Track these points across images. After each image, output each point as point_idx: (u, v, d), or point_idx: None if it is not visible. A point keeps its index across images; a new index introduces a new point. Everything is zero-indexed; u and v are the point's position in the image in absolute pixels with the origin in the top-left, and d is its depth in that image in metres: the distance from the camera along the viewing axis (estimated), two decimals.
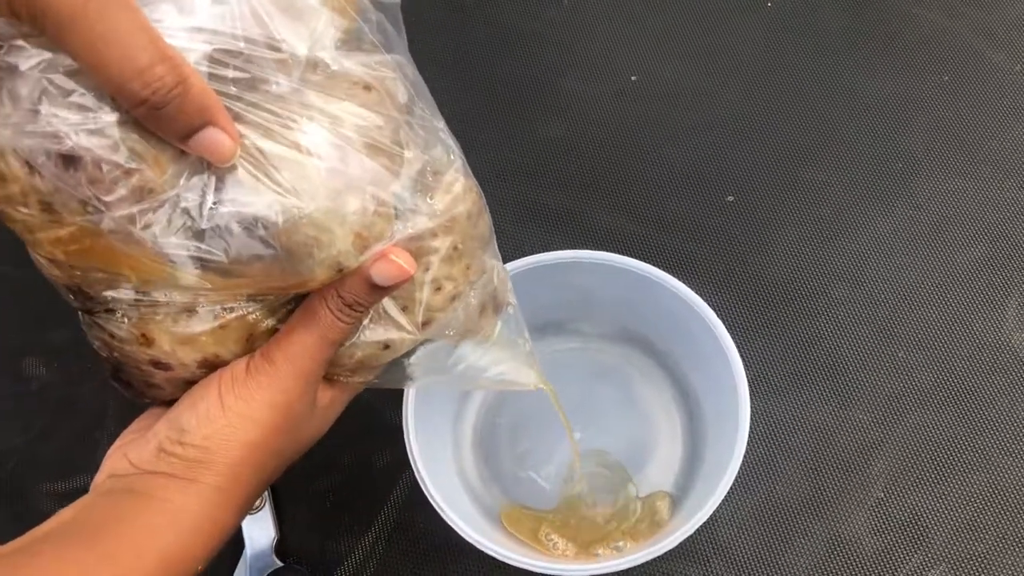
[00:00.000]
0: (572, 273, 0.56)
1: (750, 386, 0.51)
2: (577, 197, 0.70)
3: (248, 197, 0.33)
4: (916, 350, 0.63)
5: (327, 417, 0.44)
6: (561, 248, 0.55)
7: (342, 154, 0.35)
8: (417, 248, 0.38)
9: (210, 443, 0.37)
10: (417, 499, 0.50)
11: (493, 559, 0.48)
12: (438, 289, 0.40)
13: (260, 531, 0.59)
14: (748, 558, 0.58)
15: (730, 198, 0.70)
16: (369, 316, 0.40)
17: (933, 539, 0.58)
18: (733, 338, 0.53)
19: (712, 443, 0.57)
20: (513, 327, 0.46)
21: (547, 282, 0.56)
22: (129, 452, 0.39)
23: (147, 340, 0.37)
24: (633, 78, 0.76)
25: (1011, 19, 0.76)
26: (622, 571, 0.49)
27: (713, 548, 0.58)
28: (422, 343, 0.42)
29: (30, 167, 0.32)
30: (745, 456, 0.50)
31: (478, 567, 0.59)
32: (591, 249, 0.55)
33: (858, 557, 0.57)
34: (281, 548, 0.59)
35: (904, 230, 0.68)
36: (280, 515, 0.61)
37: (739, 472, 0.49)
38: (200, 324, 0.37)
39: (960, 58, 0.75)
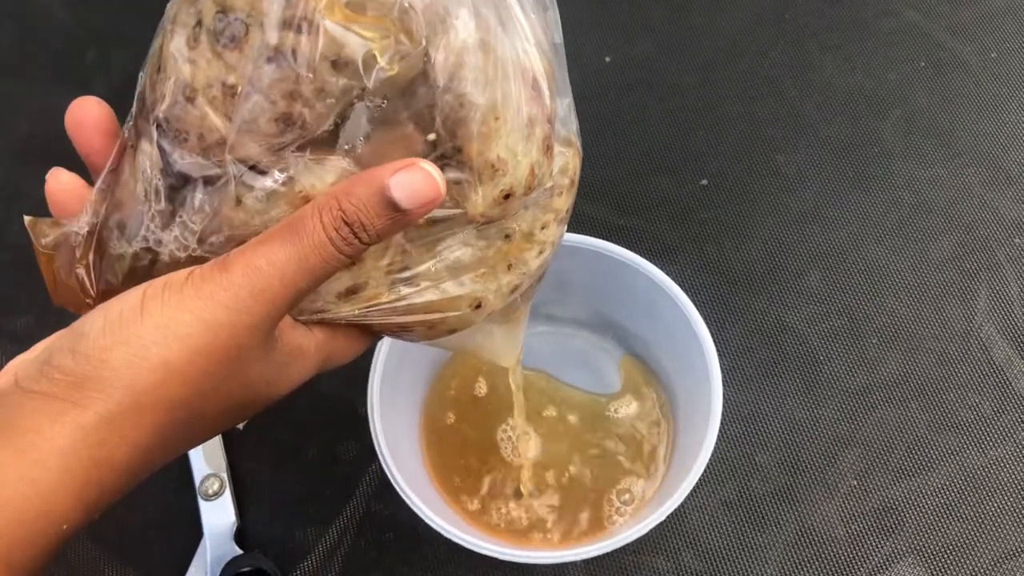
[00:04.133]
0: None
1: (723, 375, 0.51)
2: None
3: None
4: (887, 340, 0.63)
5: (298, 369, 0.33)
6: None
7: (536, 77, 0.32)
8: (545, 203, 0.35)
9: (110, 355, 0.27)
10: (387, 489, 0.49)
11: (462, 547, 0.48)
12: (540, 252, 0.36)
13: (219, 517, 0.57)
14: (718, 548, 0.57)
15: (704, 182, 0.69)
16: (479, 270, 0.34)
17: (903, 528, 0.57)
18: (707, 325, 0.52)
19: (684, 431, 0.56)
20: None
21: None
22: (20, 365, 0.30)
23: (306, 198, 0.31)
24: (607, 59, 0.75)
25: (982, 13, 0.76)
26: (590, 559, 0.48)
27: (683, 539, 0.57)
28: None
29: None
30: (716, 445, 0.49)
31: (448, 556, 0.57)
32: None
33: (829, 546, 0.57)
34: (242, 536, 0.58)
35: (878, 218, 0.68)
36: (242, 504, 0.59)
37: (709, 461, 0.49)
38: None
39: (932, 51, 0.74)
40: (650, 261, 0.54)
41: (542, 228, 0.35)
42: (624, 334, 0.61)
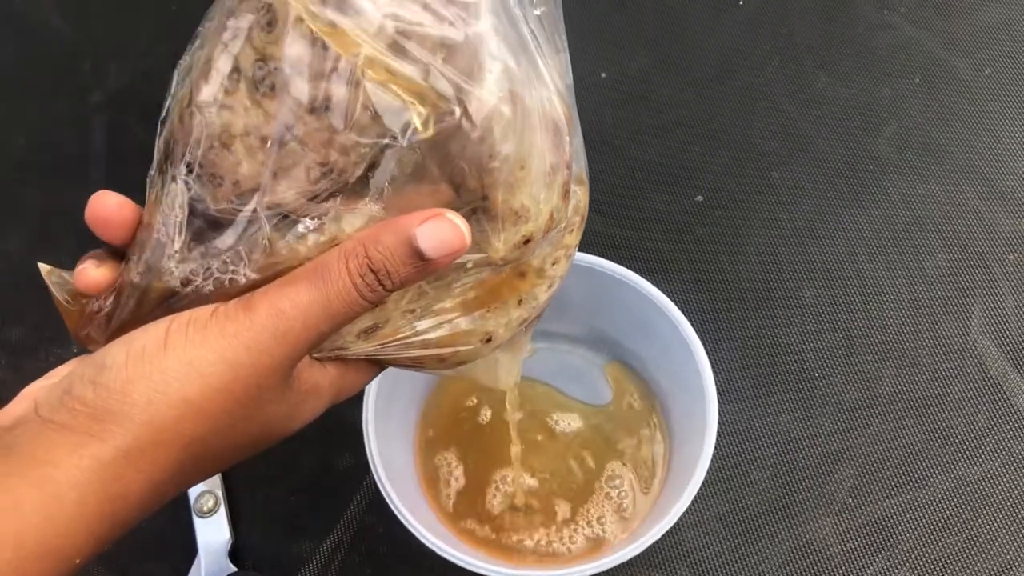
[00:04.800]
0: None
1: (718, 391, 0.51)
2: None
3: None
4: (881, 356, 0.63)
5: (312, 406, 0.33)
6: None
7: (558, 124, 0.32)
8: (557, 241, 0.35)
9: (132, 388, 0.27)
10: (381, 504, 0.49)
11: (457, 566, 0.47)
12: (550, 287, 0.36)
13: (214, 534, 0.57)
14: (713, 563, 0.57)
15: (699, 198, 0.69)
16: (491, 305, 0.34)
17: (897, 543, 0.57)
18: (702, 341, 0.52)
19: (679, 446, 0.56)
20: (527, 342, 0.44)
21: None
22: (39, 393, 0.30)
23: (334, 244, 0.31)
24: (603, 75, 0.75)
25: (976, 29, 0.76)
26: None
27: (678, 554, 0.57)
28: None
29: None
30: (711, 461, 0.49)
31: (442, 573, 0.57)
32: None
33: (824, 562, 0.57)
34: (236, 552, 0.58)
35: (873, 234, 0.68)
36: (236, 518, 0.59)
37: (705, 477, 0.49)
38: None
39: (927, 67, 0.75)
40: (645, 277, 0.54)
41: (552, 264, 0.36)
42: (619, 350, 0.61)
